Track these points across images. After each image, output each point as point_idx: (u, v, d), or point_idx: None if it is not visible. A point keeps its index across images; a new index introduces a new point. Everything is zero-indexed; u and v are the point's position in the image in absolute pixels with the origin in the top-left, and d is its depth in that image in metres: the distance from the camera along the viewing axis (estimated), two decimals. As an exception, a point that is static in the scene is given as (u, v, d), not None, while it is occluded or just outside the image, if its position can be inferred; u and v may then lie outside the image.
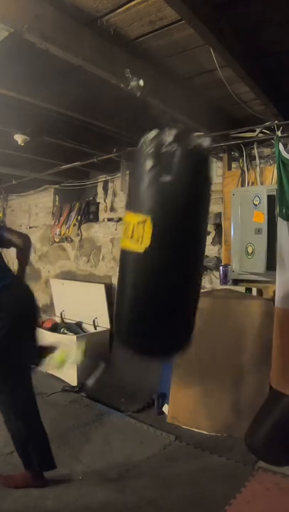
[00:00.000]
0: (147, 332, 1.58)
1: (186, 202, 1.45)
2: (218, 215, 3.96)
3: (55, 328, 4.92)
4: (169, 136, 1.44)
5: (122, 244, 1.60)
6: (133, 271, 1.56)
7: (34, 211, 6.36)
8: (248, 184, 3.68)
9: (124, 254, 1.60)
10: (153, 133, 1.48)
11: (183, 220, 1.46)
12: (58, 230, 5.63)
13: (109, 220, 5.06)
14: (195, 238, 1.54)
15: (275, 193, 3.12)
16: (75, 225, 5.44)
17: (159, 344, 1.64)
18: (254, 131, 3.39)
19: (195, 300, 1.71)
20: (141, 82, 2.04)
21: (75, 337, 4.39)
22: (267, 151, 3.62)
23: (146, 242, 1.43)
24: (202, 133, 3.43)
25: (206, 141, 1.53)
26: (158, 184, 1.42)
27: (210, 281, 4.10)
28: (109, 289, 4.78)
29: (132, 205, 1.57)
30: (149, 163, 1.44)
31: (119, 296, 1.66)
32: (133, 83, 2.01)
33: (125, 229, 1.54)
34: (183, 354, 1.79)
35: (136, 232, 1.46)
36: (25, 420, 2.41)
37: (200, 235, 1.58)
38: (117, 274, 1.64)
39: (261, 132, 3.37)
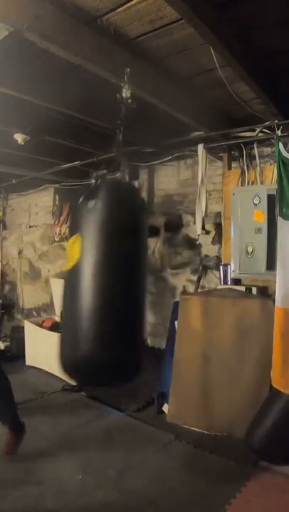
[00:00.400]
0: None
1: (104, 219, 1.77)
2: (218, 214, 3.97)
3: (55, 328, 4.91)
4: (95, 178, 1.88)
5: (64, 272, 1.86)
6: (70, 284, 1.76)
7: (34, 210, 6.36)
8: (248, 183, 3.68)
9: (65, 277, 1.82)
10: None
11: (104, 233, 1.74)
12: (58, 229, 5.63)
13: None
14: (121, 247, 1.76)
15: (275, 192, 3.11)
16: (75, 224, 5.43)
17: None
18: (254, 130, 3.39)
19: (136, 299, 1.82)
20: (129, 94, 2.15)
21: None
22: (267, 150, 3.61)
23: (77, 255, 1.70)
24: (202, 132, 3.44)
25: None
26: (85, 210, 1.79)
27: (210, 281, 4.10)
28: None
29: (70, 235, 1.88)
30: (80, 199, 1.85)
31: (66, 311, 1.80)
32: (124, 92, 2.10)
33: (67, 259, 1.84)
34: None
35: (70, 252, 1.76)
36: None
37: (128, 244, 1.80)
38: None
39: (261, 132, 3.36)
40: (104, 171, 1.94)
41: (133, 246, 1.80)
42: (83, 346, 1.63)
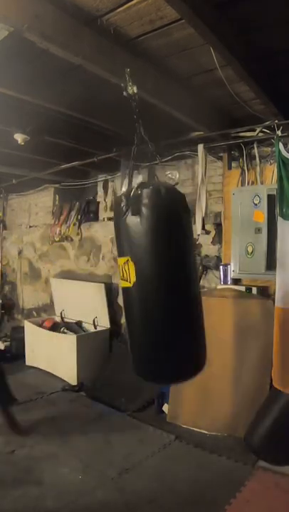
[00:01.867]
0: (153, 358, 1.80)
1: (155, 237, 1.68)
2: (218, 214, 3.96)
3: (55, 328, 4.92)
4: (136, 183, 1.74)
5: (120, 285, 1.89)
6: (128, 302, 1.84)
7: (34, 210, 6.36)
8: (248, 183, 3.67)
9: (123, 291, 1.86)
10: (124, 187, 1.79)
11: (155, 254, 1.69)
12: (58, 229, 5.63)
13: (110, 219, 5.05)
14: (174, 265, 1.74)
15: (275, 192, 3.12)
16: (75, 224, 5.45)
17: (164, 367, 1.81)
18: (254, 130, 3.39)
19: (193, 320, 1.82)
20: (135, 89, 2.08)
21: (75, 336, 4.39)
22: (267, 150, 3.61)
23: (132, 278, 1.71)
24: (202, 132, 3.44)
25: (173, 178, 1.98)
26: (129, 227, 1.69)
27: (210, 281, 4.10)
28: (109, 288, 4.79)
29: (118, 251, 1.83)
30: (122, 211, 1.72)
31: (128, 328, 1.91)
32: (129, 89, 2.09)
33: (119, 272, 1.83)
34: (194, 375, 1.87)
35: (124, 272, 1.75)
36: None
37: (179, 261, 1.76)
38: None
39: (261, 132, 3.36)
40: (141, 179, 1.79)
41: (183, 258, 1.79)
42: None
